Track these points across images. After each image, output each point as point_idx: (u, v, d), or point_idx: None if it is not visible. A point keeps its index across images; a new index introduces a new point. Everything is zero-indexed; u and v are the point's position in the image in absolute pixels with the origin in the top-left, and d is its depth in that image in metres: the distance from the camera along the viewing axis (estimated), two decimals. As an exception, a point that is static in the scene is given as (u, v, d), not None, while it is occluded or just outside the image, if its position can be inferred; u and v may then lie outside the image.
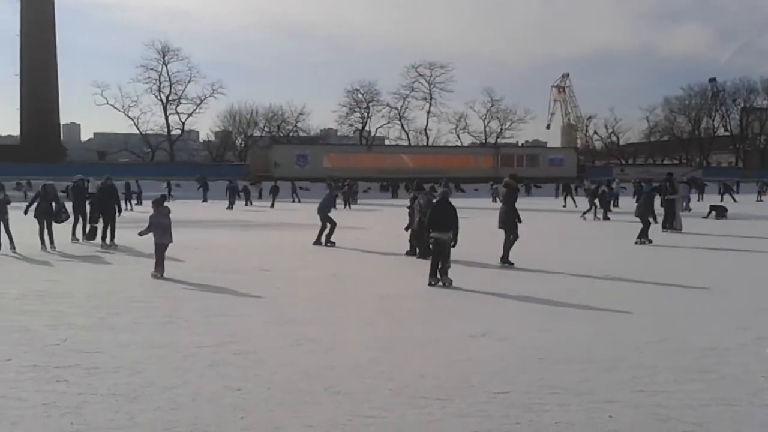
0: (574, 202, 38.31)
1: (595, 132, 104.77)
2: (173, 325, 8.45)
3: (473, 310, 9.55)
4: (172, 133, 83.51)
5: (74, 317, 8.80)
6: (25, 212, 16.73)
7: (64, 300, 10.02)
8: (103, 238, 17.38)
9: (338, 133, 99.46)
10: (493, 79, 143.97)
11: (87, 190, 19.91)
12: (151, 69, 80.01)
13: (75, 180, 19.82)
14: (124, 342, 7.47)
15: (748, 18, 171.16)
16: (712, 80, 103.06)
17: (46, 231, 16.61)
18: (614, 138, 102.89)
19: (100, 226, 17.71)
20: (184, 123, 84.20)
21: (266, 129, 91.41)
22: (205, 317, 8.87)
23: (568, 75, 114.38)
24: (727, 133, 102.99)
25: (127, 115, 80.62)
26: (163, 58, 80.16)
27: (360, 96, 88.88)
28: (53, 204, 16.97)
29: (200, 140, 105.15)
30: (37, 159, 60.87)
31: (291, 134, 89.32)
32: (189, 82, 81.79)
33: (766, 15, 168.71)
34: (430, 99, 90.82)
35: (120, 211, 18.28)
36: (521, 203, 14.77)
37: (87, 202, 18.47)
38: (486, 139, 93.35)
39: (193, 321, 8.66)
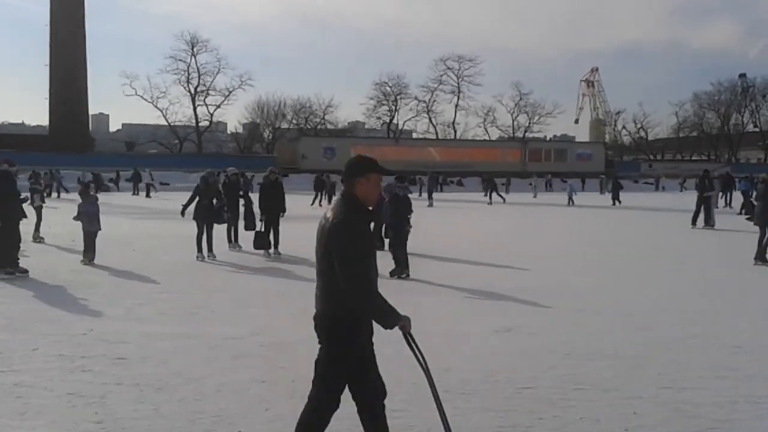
0: (501, 196, 38.57)
1: (624, 127, 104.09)
2: (200, 316, 8.52)
3: (500, 304, 9.50)
4: (200, 124, 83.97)
5: (101, 306, 8.89)
6: (182, 213, 13.66)
7: (91, 289, 10.13)
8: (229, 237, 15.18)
9: (366, 126, 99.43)
10: (521, 73, 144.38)
11: (242, 185, 17.03)
12: (180, 60, 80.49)
13: (229, 173, 16.43)
14: (150, 332, 7.54)
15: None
16: (742, 76, 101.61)
17: (205, 235, 13.66)
18: (643, 133, 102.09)
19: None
20: (212, 114, 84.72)
21: (294, 121, 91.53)
22: (233, 309, 8.95)
23: (597, 69, 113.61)
24: (757, 129, 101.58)
25: (156, 106, 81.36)
26: (192, 49, 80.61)
27: (388, 89, 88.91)
28: (214, 201, 14.05)
29: (228, 132, 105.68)
30: (66, 149, 61.41)
31: (319, 127, 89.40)
32: (217, 73, 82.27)
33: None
34: (458, 92, 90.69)
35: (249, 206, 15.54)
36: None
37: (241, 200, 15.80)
38: (514, 133, 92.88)
39: (221, 312, 8.73)
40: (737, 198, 29.86)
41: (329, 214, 3.89)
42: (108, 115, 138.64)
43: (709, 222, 21.94)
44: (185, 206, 13.54)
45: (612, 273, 12.41)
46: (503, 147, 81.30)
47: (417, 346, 4.13)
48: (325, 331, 4.01)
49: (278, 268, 12.58)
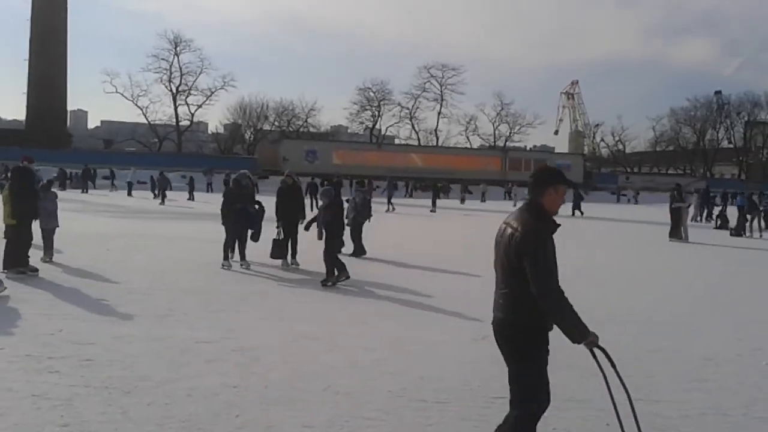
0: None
1: (602, 139, 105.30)
2: (171, 318, 8.39)
3: (476, 312, 9.45)
4: (181, 124, 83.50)
5: (71, 307, 8.74)
6: (224, 218, 12.75)
7: (60, 289, 9.96)
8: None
9: (348, 131, 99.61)
10: (503, 83, 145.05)
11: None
12: (163, 59, 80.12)
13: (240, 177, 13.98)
14: (119, 334, 7.40)
15: (753, 34, 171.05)
16: (718, 93, 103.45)
17: (237, 243, 12.69)
18: (621, 146, 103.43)
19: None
20: (193, 114, 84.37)
21: (276, 123, 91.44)
22: (205, 312, 8.81)
23: (577, 82, 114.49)
24: (731, 146, 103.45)
25: (136, 105, 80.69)
26: (175, 48, 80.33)
27: (371, 94, 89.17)
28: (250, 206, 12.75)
29: (209, 132, 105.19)
30: (42, 144, 60.46)
31: (301, 129, 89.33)
32: (200, 73, 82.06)
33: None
34: (441, 100, 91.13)
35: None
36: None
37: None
38: (495, 142, 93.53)
39: (192, 315, 8.60)
40: (726, 212, 30.02)
41: (514, 224, 3.95)
42: (87, 112, 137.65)
43: (678, 235, 22.12)
44: (224, 211, 12.72)
45: (583, 283, 12.42)
46: (484, 155, 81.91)
47: (612, 362, 4.28)
48: (509, 338, 4.07)
49: (251, 270, 12.46)
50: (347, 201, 15.13)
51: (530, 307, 3.86)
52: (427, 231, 24.74)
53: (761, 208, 26.29)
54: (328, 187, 12.09)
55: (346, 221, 13.35)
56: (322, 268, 11.70)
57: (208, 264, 12.85)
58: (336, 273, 11.13)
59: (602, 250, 19.35)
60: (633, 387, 6.11)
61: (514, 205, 43.53)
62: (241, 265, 12.47)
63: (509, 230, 3.95)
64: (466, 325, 8.62)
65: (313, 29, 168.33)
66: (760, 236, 24.51)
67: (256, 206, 13.07)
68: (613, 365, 4.10)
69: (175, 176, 49.12)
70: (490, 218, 33.82)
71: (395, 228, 24.87)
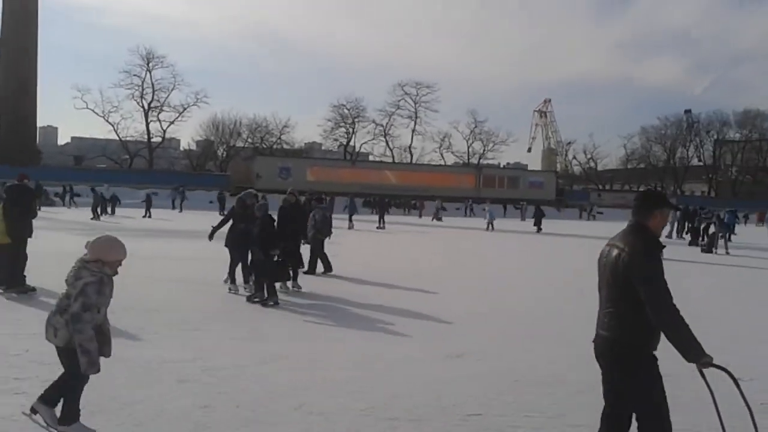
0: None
1: (575, 157, 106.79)
2: (140, 338, 8.24)
3: (450, 329, 9.45)
4: (153, 140, 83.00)
5: (37, 326, 8.56)
6: (210, 237, 12.44)
7: (27, 308, 9.78)
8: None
9: (323, 147, 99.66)
10: (477, 101, 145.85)
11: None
12: (135, 75, 79.90)
13: (245, 197, 13.00)
14: (89, 353, 7.26)
15: (721, 53, 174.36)
16: (688, 112, 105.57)
17: (240, 265, 12.09)
18: (592, 163, 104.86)
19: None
20: (165, 131, 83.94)
21: (249, 140, 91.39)
22: (175, 331, 8.68)
23: (549, 101, 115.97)
24: (701, 164, 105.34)
25: (107, 121, 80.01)
26: (148, 64, 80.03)
27: (346, 111, 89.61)
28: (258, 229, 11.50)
29: (181, 149, 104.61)
30: (10, 161, 59.65)
31: (274, 146, 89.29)
32: (173, 89, 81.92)
33: (737, 51, 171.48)
34: (416, 117, 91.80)
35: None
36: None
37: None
38: (469, 159, 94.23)
39: (162, 334, 8.46)
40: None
41: (620, 244, 4.06)
42: (56, 128, 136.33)
43: None
44: (215, 228, 12.27)
45: (559, 300, 12.49)
46: (458, 172, 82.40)
47: (735, 382, 4.27)
48: (618, 358, 4.12)
49: (220, 290, 12.34)
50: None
51: (637, 326, 3.99)
52: (393, 248, 24.71)
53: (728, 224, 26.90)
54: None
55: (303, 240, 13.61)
56: (307, 289, 11.70)
57: (177, 282, 12.72)
58: (266, 293, 10.86)
59: (574, 266, 19.48)
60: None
61: (489, 229, 44.14)
62: (245, 288, 11.92)
63: (615, 251, 4.07)
64: (439, 342, 8.58)
65: (287, 46, 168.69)
66: (726, 252, 24.81)
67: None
68: (738, 385, 4.18)
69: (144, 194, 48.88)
70: (446, 234, 34.08)
71: (360, 245, 24.88)
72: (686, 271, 18.79)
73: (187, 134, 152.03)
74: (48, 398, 4.96)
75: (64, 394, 4.92)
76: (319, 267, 14.81)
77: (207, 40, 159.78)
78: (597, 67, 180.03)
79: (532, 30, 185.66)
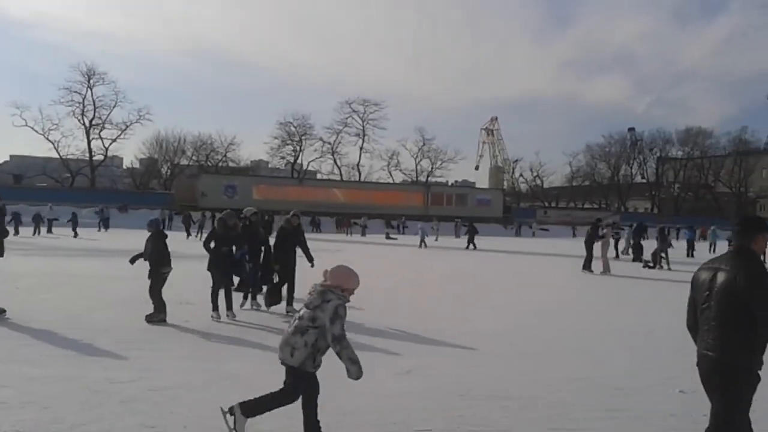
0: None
1: (521, 174, 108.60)
2: (85, 358, 8.12)
3: (399, 346, 9.51)
4: (95, 158, 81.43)
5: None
6: (209, 263, 11.55)
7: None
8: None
9: (269, 165, 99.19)
10: (425, 118, 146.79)
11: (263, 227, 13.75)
12: (75, 92, 78.06)
13: (248, 214, 13.17)
14: (32, 376, 7.14)
15: (662, 72, 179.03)
16: (631, 130, 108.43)
17: (223, 291, 11.52)
18: (539, 181, 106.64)
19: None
20: (107, 149, 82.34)
21: (194, 158, 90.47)
22: (120, 351, 8.56)
23: (496, 118, 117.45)
24: (644, 181, 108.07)
25: (47, 138, 77.88)
26: (89, 81, 78.31)
27: (292, 129, 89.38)
28: (235, 249, 11.80)
29: (124, 167, 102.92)
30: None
31: (220, 164, 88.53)
32: (114, 106, 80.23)
33: (678, 71, 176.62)
34: (363, 135, 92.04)
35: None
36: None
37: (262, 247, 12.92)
38: (417, 177, 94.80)
39: (107, 355, 8.35)
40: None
41: (726, 267, 4.33)
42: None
43: (589, 267, 22.87)
44: (208, 248, 11.50)
45: (503, 315, 12.66)
46: (407, 190, 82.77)
47: None
48: (723, 377, 4.28)
49: (171, 307, 12.20)
50: None
51: (745, 347, 4.18)
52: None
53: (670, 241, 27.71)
54: (154, 218, 11.70)
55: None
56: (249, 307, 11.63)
57: (122, 302, 12.55)
58: (159, 311, 10.74)
59: (524, 282, 19.76)
60: (547, 416, 6.30)
61: (436, 239, 44.36)
62: (228, 315, 11.31)
63: (725, 274, 4.29)
64: (387, 359, 8.65)
65: (233, 62, 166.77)
66: (669, 268, 25.45)
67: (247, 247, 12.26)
68: None
69: (89, 212, 48.01)
70: (371, 251, 34.24)
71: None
72: (635, 285, 19.24)
73: (130, 152, 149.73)
74: (249, 408, 5.26)
75: (269, 407, 5.33)
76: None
77: (149, 56, 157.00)
78: (542, 86, 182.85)
79: (477, 48, 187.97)
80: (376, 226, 62.09)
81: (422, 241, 37.84)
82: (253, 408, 5.25)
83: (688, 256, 33.89)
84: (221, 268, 11.43)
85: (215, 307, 11.28)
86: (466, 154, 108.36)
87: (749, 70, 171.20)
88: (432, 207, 75.20)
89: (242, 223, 12.88)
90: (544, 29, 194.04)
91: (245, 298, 12.74)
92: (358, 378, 5.14)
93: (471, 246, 37.41)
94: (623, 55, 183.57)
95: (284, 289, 12.21)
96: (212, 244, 11.48)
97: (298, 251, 12.47)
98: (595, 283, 20.06)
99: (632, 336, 11.06)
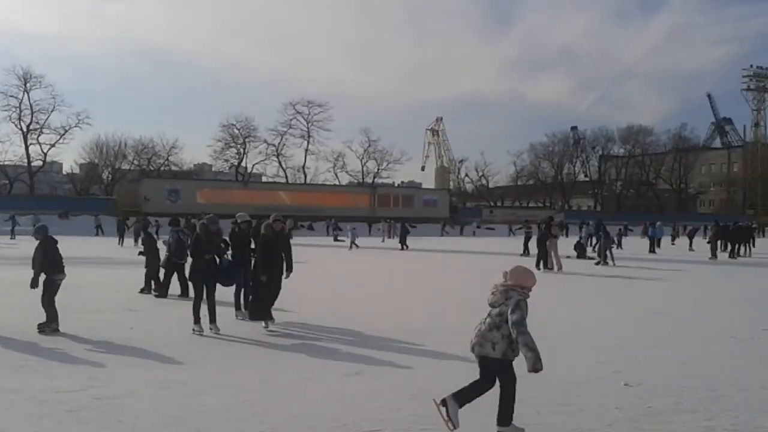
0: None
1: (467, 174, 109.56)
2: (28, 369, 7.94)
3: (343, 348, 9.51)
4: (33, 164, 79.49)
5: None
6: (191, 272, 10.95)
7: None
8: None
9: (213, 169, 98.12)
10: (370, 119, 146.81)
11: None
12: (11, 96, 76.17)
13: (239, 221, 12.46)
14: (-28, 387, 6.94)
15: (604, 71, 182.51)
16: (574, 128, 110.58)
17: (205, 300, 10.63)
18: (484, 181, 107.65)
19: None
20: (46, 154, 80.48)
21: (136, 162, 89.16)
22: (65, 360, 8.40)
23: (441, 119, 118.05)
24: (587, 179, 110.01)
25: (-18, 144, 76.11)
26: (25, 84, 76.39)
27: (236, 131, 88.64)
28: (219, 256, 11.02)
29: (64, 172, 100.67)
30: None
31: (162, 168, 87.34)
32: (52, 111, 78.53)
33: (620, 69, 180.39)
34: (308, 137, 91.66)
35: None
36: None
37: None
38: (363, 178, 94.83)
39: (51, 364, 8.18)
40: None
41: None
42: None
43: (547, 264, 23.25)
44: (192, 264, 10.85)
45: (449, 314, 12.75)
46: (353, 192, 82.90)
47: None
48: None
49: (111, 316, 12.01)
50: (163, 242, 15.24)
51: None
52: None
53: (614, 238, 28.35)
54: (41, 225, 11.43)
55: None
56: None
57: (65, 311, 12.26)
58: (51, 321, 10.45)
59: (466, 280, 19.93)
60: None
61: (382, 240, 44.47)
62: (211, 329, 10.47)
63: None
64: (334, 361, 8.64)
65: (173, 63, 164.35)
66: (614, 264, 25.95)
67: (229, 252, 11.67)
68: None
69: (27, 219, 46.79)
70: (309, 253, 34.27)
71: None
72: (580, 282, 19.60)
73: (70, 157, 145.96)
74: (462, 397, 5.73)
75: (501, 400, 5.74)
76: (177, 289, 14.70)
77: (87, 59, 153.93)
78: (486, 85, 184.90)
79: (421, 48, 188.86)
80: (322, 228, 62.17)
81: (353, 242, 37.71)
82: (460, 398, 5.71)
83: (650, 251, 35.08)
84: (203, 277, 10.64)
85: (197, 320, 10.45)
86: (412, 155, 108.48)
87: (689, 68, 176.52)
88: (379, 208, 75.41)
89: (232, 229, 12.56)
90: (487, 28, 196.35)
91: (236, 308, 12.11)
92: (535, 368, 5.42)
93: (404, 247, 37.61)
94: (565, 54, 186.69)
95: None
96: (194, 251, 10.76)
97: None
98: (541, 280, 20.29)
99: (579, 331, 11.24)
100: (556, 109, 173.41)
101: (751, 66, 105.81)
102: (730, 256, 32.03)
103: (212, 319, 10.50)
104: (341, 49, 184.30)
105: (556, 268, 23.18)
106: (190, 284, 11.86)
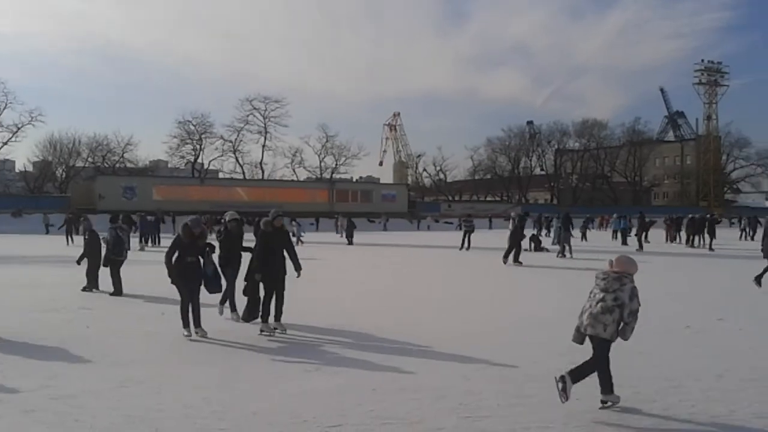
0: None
1: (425, 169, 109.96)
2: (-18, 369, 7.78)
3: (302, 344, 9.49)
4: (-15, 162, 77.79)
5: None
6: (172, 275, 9.92)
7: None
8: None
9: (169, 165, 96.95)
10: (328, 115, 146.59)
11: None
12: (-39, 93, 74.43)
13: (227, 219, 11.83)
14: (-77, 390, 6.78)
15: (558, 66, 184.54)
16: (530, 123, 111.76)
17: (191, 304, 10.04)
18: (442, 175, 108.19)
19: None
20: (-3, 152, 78.70)
21: (90, 159, 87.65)
22: (20, 360, 8.24)
23: (398, 114, 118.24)
24: (543, 173, 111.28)
25: (-67, 143, 74.21)
26: (-25, 82, 74.75)
27: (192, 127, 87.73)
28: (203, 259, 10.20)
29: (16, 170, 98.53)
30: None
31: (117, 165, 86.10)
32: (4, 108, 77.04)
33: (574, 64, 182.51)
34: (266, 133, 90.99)
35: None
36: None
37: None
38: (321, 174, 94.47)
39: (6, 365, 8.01)
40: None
41: None
42: None
43: (518, 259, 23.39)
44: (169, 265, 9.93)
45: (406, 309, 12.80)
46: (311, 188, 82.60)
47: None
48: None
49: (67, 315, 11.81)
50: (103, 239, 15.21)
51: None
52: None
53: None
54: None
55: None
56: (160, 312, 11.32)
57: (21, 310, 12.06)
58: None
59: (413, 272, 20.01)
60: (460, 405, 6.43)
61: (341, 236, 44.39)
62: (196, 332, 9.92)
63: None
64: (293, 358, 8.62)
65: (128, 60, 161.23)
66: (571, 256, 26.27)
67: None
68: None
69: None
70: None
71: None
72: (538, 275, 19.80)
73: (23, 155, 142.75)
74: (576, 376, 6.28)
75: (598, 373, 6.40)
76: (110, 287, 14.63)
77: (40, 56, 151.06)
78: (443, 81, 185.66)
79: (378, 44, 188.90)
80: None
81: (298, 238, 37.33)
82: (576, 375, 6.27)
83: (623, 243, 35.23)
84: (188, 281, 9.93)
85: (185, 324, 9.97)
86: (370, 150, 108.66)
87: (642, 63, 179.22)
88: (337, 203, 75.25)
89: (221, 229, 12.06)
90: (443, 24, 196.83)
91: (232, 310, 11.48)
92: (628, 338, 6.44)
93: (351, 241, 37.60)
94: (520, 50, 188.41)
95: (272, 302, 10.42)
96: (175, 257, 9.96)
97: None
98: (500, 273, 20.50)
99: (539, 323, 11.34)
100: (512, 104, 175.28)
101: (703, 60, 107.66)
102: (688, 245, 33.43)
103: (197, 323, 9.97)
104: (298, 44, 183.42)
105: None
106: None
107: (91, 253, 15.21)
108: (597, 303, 6.33)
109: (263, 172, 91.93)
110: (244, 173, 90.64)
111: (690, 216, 37.03)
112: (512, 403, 6.53)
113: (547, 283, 17.99)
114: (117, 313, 12.15)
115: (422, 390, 6.98)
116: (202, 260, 10.17)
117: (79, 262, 15.40)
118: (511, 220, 25.27)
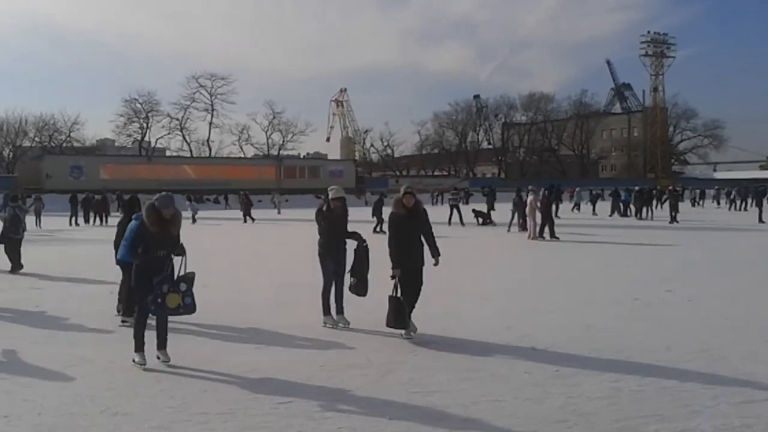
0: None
1: (372, 145, 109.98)
2: (-76, 353, 7.64)
3: (249, 320, 9.46)
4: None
5: None
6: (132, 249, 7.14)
7: None
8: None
9: (116, 144, 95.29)
10: (274, 91, 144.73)
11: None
12: None
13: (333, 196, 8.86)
14: None
15: (503, 39, 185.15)
16: (476, 97, 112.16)
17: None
18: (389, 151, 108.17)
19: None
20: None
21: (37, 139, 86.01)
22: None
23: (345, 90, 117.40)
24: (491, 146, 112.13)
25: None
26: None
27: (138, 106, 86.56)
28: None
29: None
30: None
31: (64, 145, 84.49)
32: (-52, 90, 74.53)
33: (518, 38, 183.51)
34: (212, 110, 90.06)
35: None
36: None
37: None
38: (269, 150, 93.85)
39: (-51, 348, 7.88)
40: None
41: None
42: None
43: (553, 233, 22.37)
44: (135, 255, 7.05)
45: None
46: (259, 164, 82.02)
47: None
48: None
49: (15, 295, 11.61)
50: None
51: None
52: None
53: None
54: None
55: None
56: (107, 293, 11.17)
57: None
58: None
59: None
60: (409, 380, 6.53)
61: (278, 213, 44.08)
62: (157, 357, 7.29)
63: None
64: (239, 336, 8.64)
65: (73, 39, 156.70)
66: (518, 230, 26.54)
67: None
68: None
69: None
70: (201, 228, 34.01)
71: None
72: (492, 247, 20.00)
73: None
74: None
75: None
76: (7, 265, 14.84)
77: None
78: (388, 56, 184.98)
79: (322, 19, 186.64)
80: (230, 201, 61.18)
81: (193, 216, 36.27)
82: None
83: (628, 215, 36.11)
84: (143, 272, 7.08)
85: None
86: (317, 126, 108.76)
87: (587, 35, 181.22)
88: (285, 180, 74.91)
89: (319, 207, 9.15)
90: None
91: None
92: None
93: (248, 219, 37.36)
94: (464, 24, 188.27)
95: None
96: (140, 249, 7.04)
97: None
98: (452, 244, 20.64)
99: (486, 297, 11.49)
100: (458, 79, 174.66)
101: (649, 32, 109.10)
102: (636, 218, 34.45)
103: (161, 344, 7.32)
104: (241, 20, 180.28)
105: (530, 234, 22.69)
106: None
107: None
108: None
109: (210, 149, 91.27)
110: (191, 151, 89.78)
111: (637, 188, 37.82)
112: (462, 378, 6.59)
113: (492, 257, 18.20)
114: (65, 293, 11.99)
115: (371, 366, 7.06)
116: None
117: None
118: (529, 193, 23.38)
